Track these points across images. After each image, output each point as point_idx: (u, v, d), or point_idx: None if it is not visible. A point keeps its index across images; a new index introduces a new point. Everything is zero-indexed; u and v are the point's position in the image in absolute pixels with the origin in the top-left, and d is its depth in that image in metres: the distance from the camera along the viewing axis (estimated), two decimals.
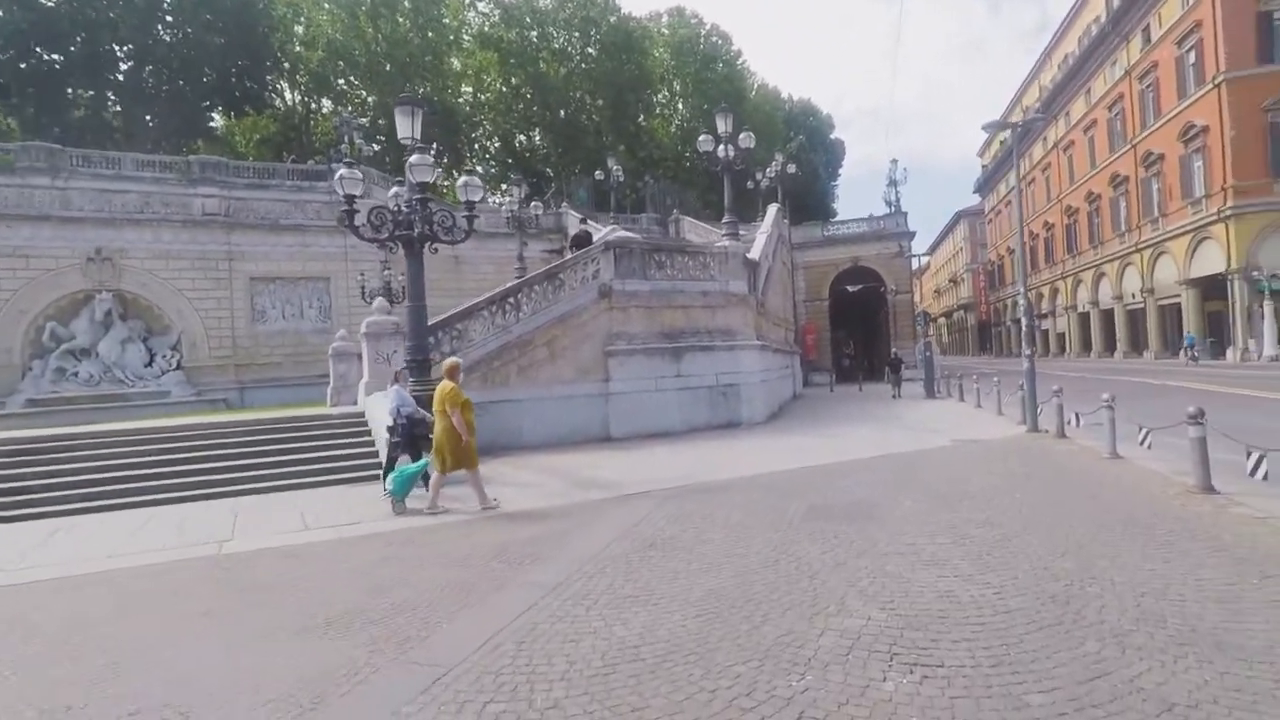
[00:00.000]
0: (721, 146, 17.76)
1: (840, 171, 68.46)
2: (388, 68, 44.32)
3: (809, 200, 53.75)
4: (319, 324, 27.79)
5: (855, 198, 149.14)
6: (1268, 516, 6.23)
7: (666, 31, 54.81)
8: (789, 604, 4.69)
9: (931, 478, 9.16)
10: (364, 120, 43.54)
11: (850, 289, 36.62)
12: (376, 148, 43.36)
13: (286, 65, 44.71)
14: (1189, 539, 5.70)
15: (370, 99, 45.23)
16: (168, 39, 39.32)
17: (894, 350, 29.62)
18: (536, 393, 14.68)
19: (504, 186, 44.12)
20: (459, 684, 3.75)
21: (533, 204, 28.89)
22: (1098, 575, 4.92)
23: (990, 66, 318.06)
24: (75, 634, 4.98)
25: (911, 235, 38.17)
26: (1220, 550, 5.36)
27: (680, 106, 55.05)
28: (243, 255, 27.13)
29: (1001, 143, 61.76)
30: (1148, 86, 37.62)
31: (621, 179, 38.68)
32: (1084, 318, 48.88)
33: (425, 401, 9.88)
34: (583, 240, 20.49)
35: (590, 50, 50.24)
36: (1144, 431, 9.36)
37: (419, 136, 11.36)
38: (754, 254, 20.22)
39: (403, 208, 11.41)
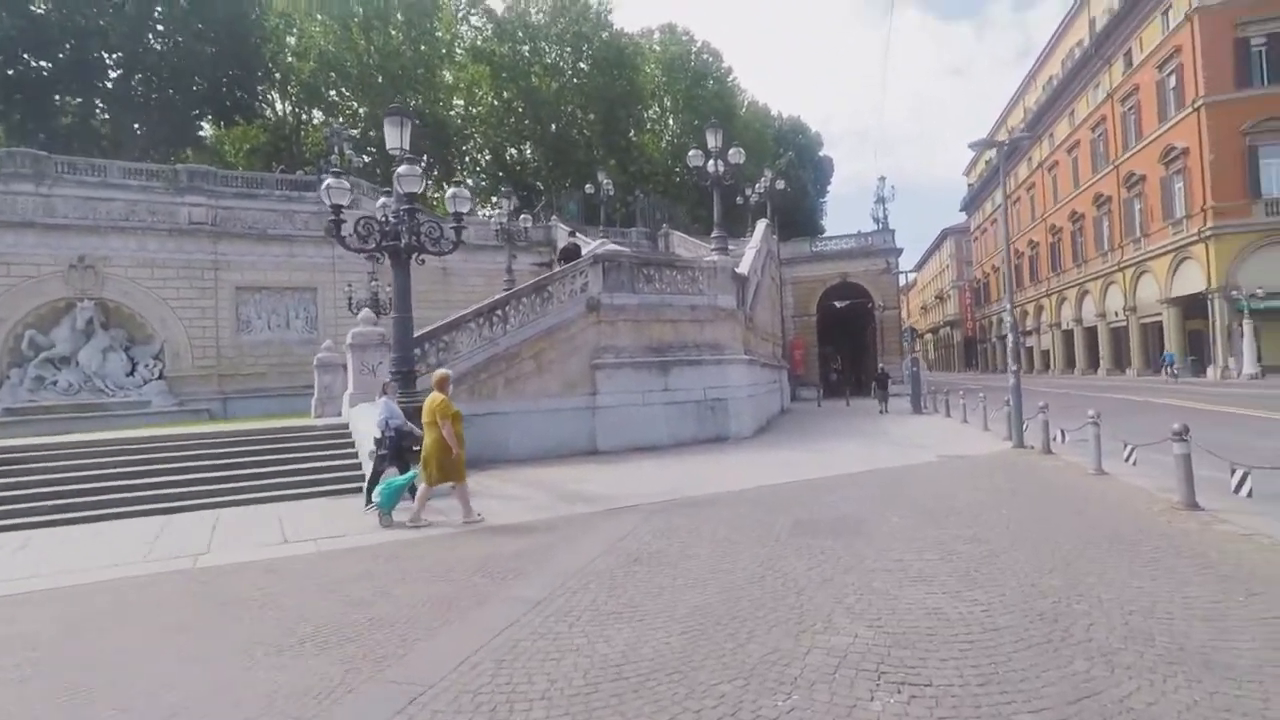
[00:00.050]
0: (711, 161, 17.84)
1: (829, 188, 69.20)
2: (379, 80, 44.38)
3: (798, 216, 54.16)
4: (305, 334, 27.51)
5: (843, 215, 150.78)
6: (1253, 533, 6.24)
7: (658, 48, 55.30)
8: (775, 621, 4.62)
9: (918, 493, 9.13)
10: (355, 132, 43.42)
11: (838, 305, 36.78)
12: (367, 159, 43.34)
13: (278, 76, 44.63)
14: (1175, 556, 5.69)
15: (361, 110, 45.23)
16: (158, 47, 39.13)
17: (881, 365, 29.73)
18: (523, 405, 14.58)
19: (494, 199, 44.13)
20: (436, 704, 3.65)
21: (522, 217, 28.89)
22: (1085, 592, 4.89)
23: (976, 88, 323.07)
24: (33, 652, 4.81)
25: (899, 252, 38.46)
26: (1206, 567, 5.35)
27: (671, 122, 55.44)
28: (229, 265, 26.88)
29: (987, 162, 62.56)
30: (1129, 109, 38.28)
31: (611, 193, 38.85)
32: (1068, 335, 49.36)
33: (412, 413, 9.77)
34: (571, 253, 20.50)
35: (582, 65, 50.57)
36: (1129, 448, 9.40)
37: (408, 147, 11.33)
38: (743, 269, 20.28)
39: (390, 218, 11.35)
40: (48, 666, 4.53)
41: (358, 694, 3.86)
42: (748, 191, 33.57)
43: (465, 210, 12.07)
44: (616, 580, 5.76)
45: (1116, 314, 41.16)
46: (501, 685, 3.84)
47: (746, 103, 60.05)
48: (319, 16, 44.36)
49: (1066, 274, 48.61)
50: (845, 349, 41.18)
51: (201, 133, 44.95)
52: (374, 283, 23.75)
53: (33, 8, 34.70)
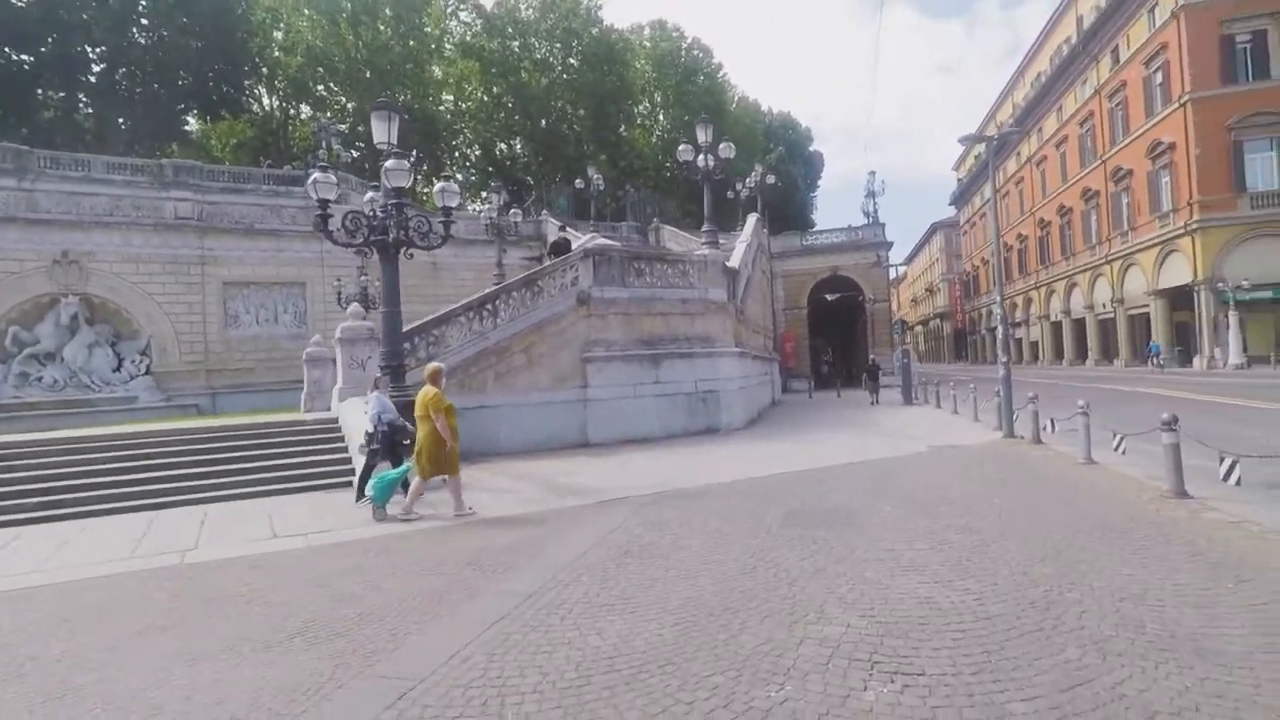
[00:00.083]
0: (701, 156, 17.80)
1: (819, 183, 69.24)
2: (368, 75, 44.01)
3: (788, 211, 54.18)
4: (294, 329, 27.35)
5: (834, 210, 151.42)
6: (1241, 521, 6.27)
7: (648, 44, 55.09)
8: (767, 612, 4.61)
9: (910, 484, 9.15)
10: (343, 126, 43.11)
11: (829, 298, 36.88)
12: (355, 154, 42.95)
13: (265, 70, 44.20)
14: (1165, 543, 5.72)
15: (350, 105, 44.84)
16: (142, 41, 38.67)
17: (872, 357, 29.85)
18: (514, 399, 14.53)
19: (484, 194, 43.94)
20: (427, 698, 3.61)
21: (512, 211, 28.77)
22: (1076, 580, 4.90)
23: (966, 85, 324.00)
24: (16, 651, 4.74)
25: (889, 246, 38.55)
26: (1196, 555, 5.38)
27: (661, 118, 55.29)
28: (216, 260, 26.65)
29: (976, 157, 62.73)
30: (1117, 105, 38.47)
31: (602, 188, 38.77)
32: (1056, 326, 49.67)
33: (404, 408, 9.71)
34: (562, 248, 20.40)
35: (572, 61, 50.32)
36: (1118, 438, 9.45)
37: (395, 142, 11.22)
38: (733, 262, 20.26)
39: (378, 213, 11.24)
40: (32, 665, 4.45)
41: (347, 690, 3.82)
42: (738, 186, 33.57)
43: (454, 204, 11.97)
44: (608, 572, 5.73)
45: (1104, 306, 41.45)
46: (493, 679, 3.80)
47: (737, 98, 59.93)
48: (306, 11, 43.92)
49: (1055, 267, 48.89)
50: (836, 341, 41.33)
51: (187, 127, 44.52)
52: (363, 277, 23.62)
53: (13, 0, 34.19)
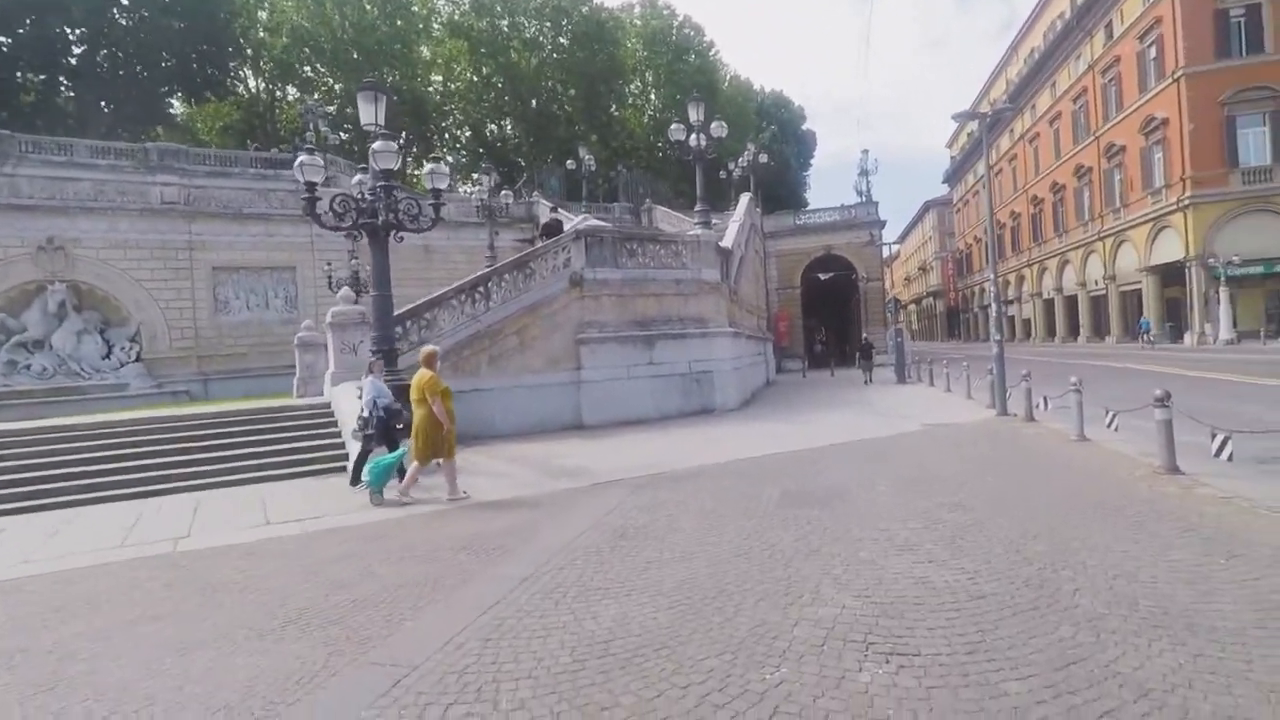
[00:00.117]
0: (694, 135, 17.61)
1: (812, 162, 68.87)
2: (355, 55, 43.31)
3: (781, 190, 53.93)
4: (285, 314, 27.15)
5: (827, 189, 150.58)
6: (1232, 496, 6.30)
7: (639, 22, 54.36)
8: (763, 593, 4.61)
9: (903, 462, 9.17)
10: (330, 108, 42.55)
11: (822, 277, 36.79)
12: (344, 136, 42.41)
13: (249, 51, 43.40)
14: (1157, 520, 5.74)
15: (337, 87, 44.16)
16: (123, 22, 37.86)
17: (865, 336, 29.82)
18: (507, 382, 14.48)
19: (475, 176, 43.49)
20: (421, 685, 3.60)
21: (503, 193, 28.53)
22: (1070, 558, 4.91)
23: (959, 62, 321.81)
24: (6, 642, 4.70)
25: (882, 224, 38.45)
26: (1188, 531, 5.40)
27: (653, 97, 54.67)
28: (204, 245, 26.34)
29: (969, 134, 62.43)
30: (1110, 80, 38.27)
31: (593, 168, 38.44)
32: (1049, 304, 49.80)
33: (398, 392, 9.66)
34: (554, 229, 20.26)
35: (562, 40, 49.64)
36: (1110, 414, 9.48)
37: (383, 123, 11.04)
38: (726, 242, 20.16)
39: (367, 195, 11.09)
40: (22, 656, 4.42)
41: (341, 677, 3.80)
42: (731, 165, 33.34)
43: (444, 186, 11.83)
44: (603, 556, 5.73)
45: (1096, 283, 41.54)
46: (487, 665, 3.79)
47: (729, 77, 59.31)
48: None
49: (1047, 244, 48.91)
50: (830, 321, 41.30)
51: (172, 110, 43.79)
52: (354, 261, 23.39)
53: None
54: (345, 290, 16.06)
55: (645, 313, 16.09)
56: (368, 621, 4.59)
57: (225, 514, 8.49)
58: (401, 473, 8.80)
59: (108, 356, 24.77)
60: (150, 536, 7.56)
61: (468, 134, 52.34)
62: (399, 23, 45.27)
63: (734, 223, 23.37)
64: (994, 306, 14.36)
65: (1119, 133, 37.28)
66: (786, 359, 34.23)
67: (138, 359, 25.05)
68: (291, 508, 8.58)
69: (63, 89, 38.11)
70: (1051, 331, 48.98)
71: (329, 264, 25.16)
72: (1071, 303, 45.85)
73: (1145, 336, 33.60)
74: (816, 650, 3.69)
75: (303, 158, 10.56)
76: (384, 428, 9.37)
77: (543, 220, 26.84)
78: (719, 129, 18.30)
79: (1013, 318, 56.00)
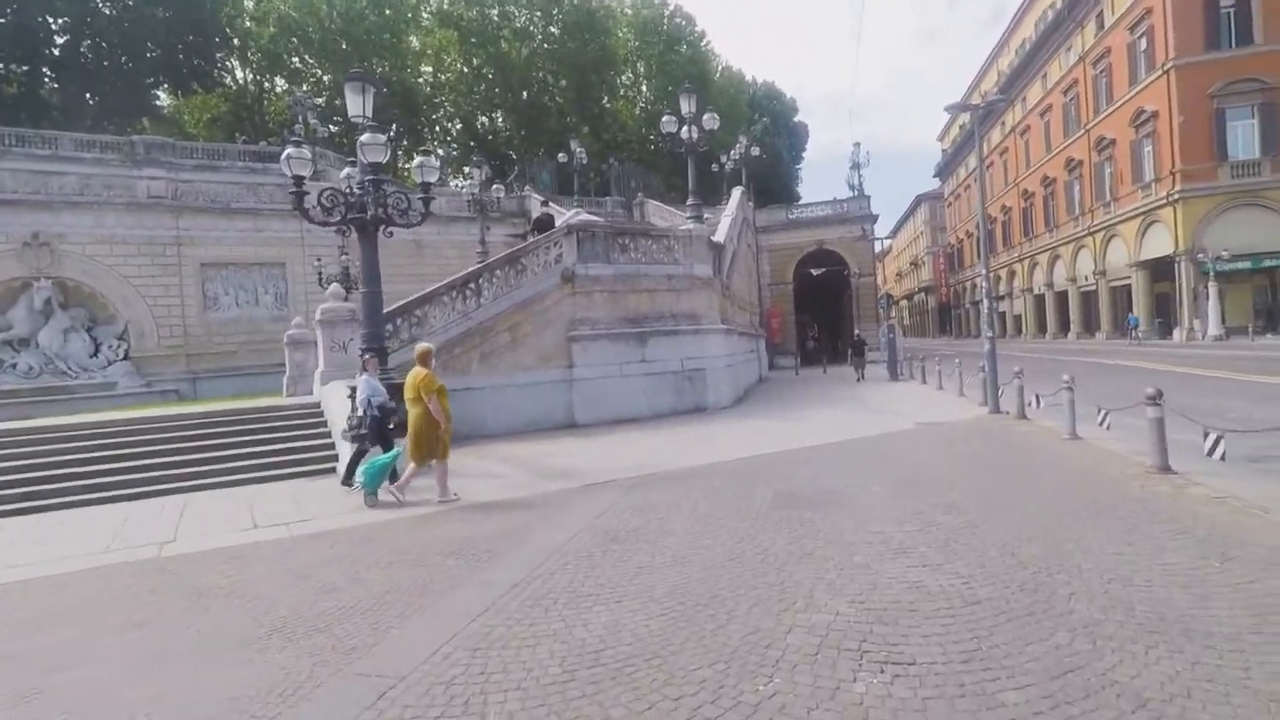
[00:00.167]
0: (685, 128, 17.50)
1: (804, 155, 68.58)
2: (344, 46, 42.91)
3: (773, 183, 53.79)
4: (275, 311, 26.93)
5: (819, 182, 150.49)
6: (1225, 496, 6.29)
7: (630, 11, 54.02)
8: (756, 599, 4.56)
9: (897, 462, 9.15)
10: (319, 100, 42.10)
11: (814, 272, 36.75)
12: (334, 128, 42.08)
13: (236, 42, 42.91)
14: (1151, 521, 5.72)
15: (326, 78, 43.72)
16: (107, 12, 37.32)
17: (858, 333, 29.84)
18: (499, 380, 14.38)
19: (466, 169, 43.21)
20: (407, 697, 3.53)
21: (494, 187, 28.31)
22: (1064, 561, 4.88)
23: (950, 53, 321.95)
24: None
25: (874, 218, 38.37)
26: (1182, 533, 5.38)
27: (644, 88, 54.43)
28: (192, 240, 26.08)
29: (961, 127, 62.50)
30: (1101, 72, 38.28)
31: (585, 161, 38.25)
32: (1039, 300, 49.95)
33: (393, 391, 9.55)
34: (545, 223, 20.15)
35: (552, 30, 49.29)
36: (1103, 413, 9.48)
37: (371, 115, 10.89)
38: (718, 237, 20.07)
39: (355, 189, 10.94)
40: (1, 665, 4.32)
41: (326, 689, 3.72)
42: (723, 159, 33.20)
43: (433, 180, 11.68)
44: (594, 560, 5.66)
45: (1086, 278, 41.68)
46: (475, 675, 3.72)
47: (721, 68, 59.05)
48: None
49: (1038, 239, 49.01)
50: (822, 316, 41.28)
51: (158, 102, 43.27)
52: (344, 256, 23.15)
53: None
54: (335, 287, 15.91)
55: (637, 309, 16.01)
56: (354, 630, 4.52)
57: (213, 516, 8.39)
58: (394, 474, 8.70)
59: (95, 355, 24.54)
60: (136, 540, 7.45)
61: (458, 126, 51.99)
62: (388, 12, 44.84)
63: (726, 217, 23.28)
64: (986, 303, 14.36)
65: (1109, 126, 37.33)
66: (779, 355, 34.23)
67: (125, 357, 24.81)
68: (280, 510, 8.48)
69: (46, 80, 37.61)
70: (1043, 327, 49.14)
71: (319, 260, 24.94)
72: (1062, 298, 46.00)
73: (1134, 333, 33.78)
74: (810, 659, 3.64)
75: (289, 151, 10.39)
76: (377, 426, 9.27)
77: (534, 215, 26.71)
78: (711, 121, 18.20)
79: (1004, 313, 56.20)
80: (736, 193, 27.35)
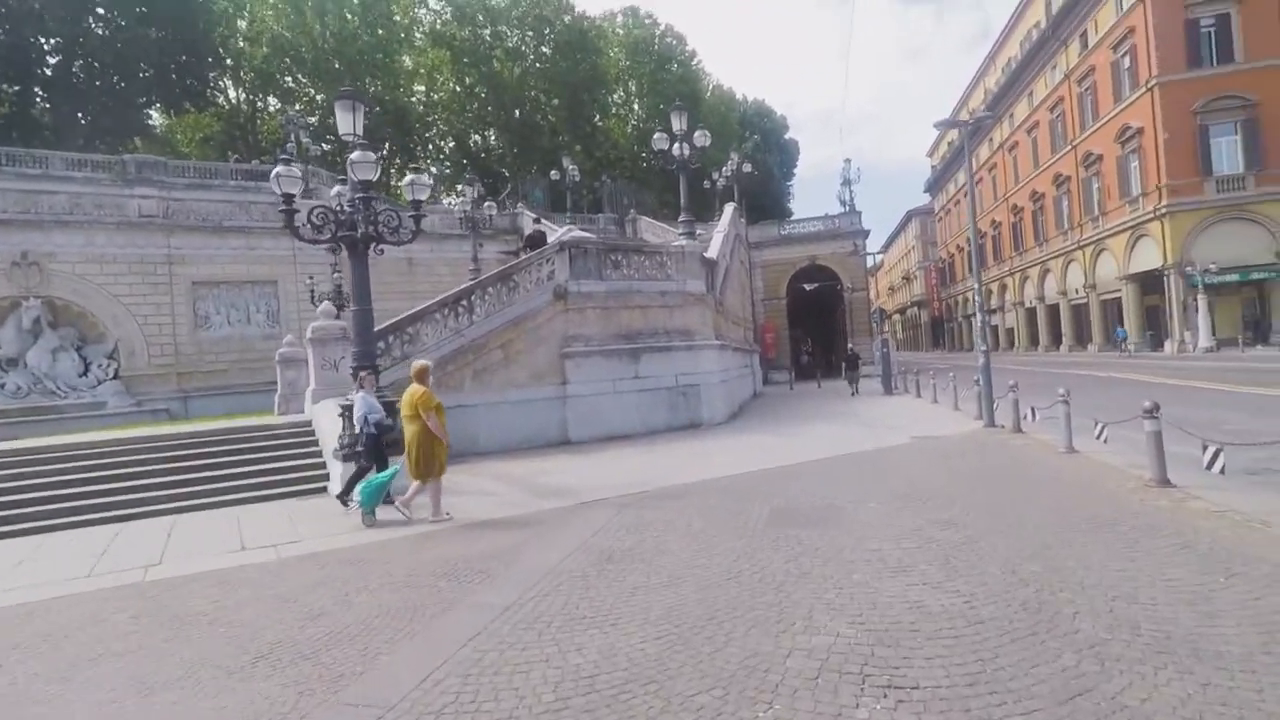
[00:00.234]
0: (677, 145, 17.57)
1: (795, 172, 69.23)
2: (336, 65, 43.05)
3: (765, 200, 54.12)
4: (267, 329, 26.74)
5: (810, 198, 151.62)
6: (1225, 510, 6.24)
7: (621, 31, 54.56)
8: (754, 621, 4.45)
9: (893, 477, 9.07)
10: (312, 119, 42.16)
11: (807, 287, 36.85)
12: (326, 147, 42.03)
13: (229, 61, 42.99)
14: (1152, 536, 5.66)
15: (319, 97, 43.82)
16: (99, 32, 37.35)
17: (851, 347, 29.88)
18: (492, 397, 14.27)
19: (458, 187, 43.25)
20: None
21: (486, 204, 28.35)
22: (1067, 578, 4.80)
23: (937, 71, 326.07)
24: None
25: (866, 234, 38.62)
26: (1184, 547, 5.31)
27: (636, 107, 54.83)
28: (184, 259, 25.91)
29: (950, 143, 63.15)
30: (1086, 89, 38.79)
31: (578, 179, 38.33)
32: (1031, 313, 50.22)
33: (387, 408, 9.44)
34: (537, 241, 20.10)
35: (544, 49, 49.68)
36: (1099, 426, 9.45)
37: (361, 133, 10.85)
38: (711, 253, 20.09)
39: (346, 207, 10.88)
40: None
41: None
42: (715, 175, 33.37)
43: (424, 197, 11.64)
44: (589, 581, 5.55)
45: (1077, 291, 41.94)
46: (466, 704, 3.60)
47: (711, 86, 59.61)
48: None
49: (1029, 253, 49.37)
50: (816, 331, 41.37)
51: (150, 122, 43.22)
52: (336, 275, 23.04)
53: None
54: (326, 305, 15.82)
55: (630, 325, 15.96)
56: (342, 656, 4.39)
57: (201, 538, 8.23)
58: (389, 499, 8.57)
59: (85, 374, 24.26)
60: (121, 564, 7.29)
61: (451, 145, 52.17)
62: (380, 32, 45.09)
63: (718, 233, 23.33)
64: (979, 316, 14.38)
65: (1096, 142, 37.76)
66: (773, 370, 34.21)
67: (115, 376, 24.54)
68: (269, 531, 8.33)
69: (38, 100, 37.55)
70: (1035, 340, 49.37)
71: (311, 278, 24.84)
72: (1054, 311, 46.26)
73: (1123, 345, 33.98)
74: (811, 684, 3.54)
75: (279, 169, 10.34)
76: (374, 444, 9.14)
77: (527, 232, 26.66)
78: (702, 138, 18.29)
79: (996, 327, 56.46)
80: (729, 209, 27.46)
